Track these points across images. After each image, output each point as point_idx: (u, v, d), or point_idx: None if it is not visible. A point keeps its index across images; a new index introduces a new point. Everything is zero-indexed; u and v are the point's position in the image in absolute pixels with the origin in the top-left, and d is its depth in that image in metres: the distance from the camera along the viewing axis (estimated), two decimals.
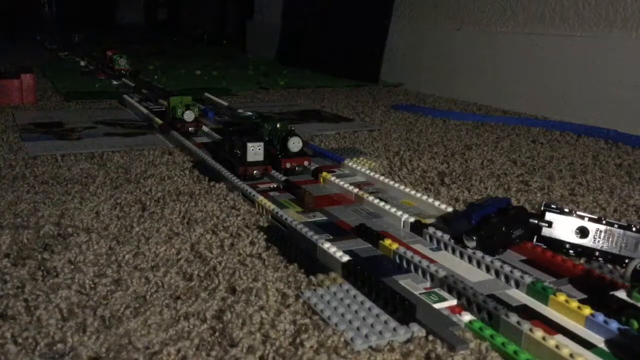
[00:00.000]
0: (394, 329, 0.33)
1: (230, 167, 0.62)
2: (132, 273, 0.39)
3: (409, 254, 0.42)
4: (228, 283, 0.38)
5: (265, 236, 0.46)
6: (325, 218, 0.52)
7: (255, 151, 0.61)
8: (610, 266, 0.43)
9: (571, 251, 0.44)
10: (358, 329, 0.33)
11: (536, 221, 0.45)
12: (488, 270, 0.41)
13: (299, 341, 0.32)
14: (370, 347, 0.32)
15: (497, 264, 0.41)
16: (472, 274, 0.41)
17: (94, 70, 1.56)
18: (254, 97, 1.26)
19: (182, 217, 0.50)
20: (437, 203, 0.53)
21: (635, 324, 0.33)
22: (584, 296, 0.38)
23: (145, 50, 2.16)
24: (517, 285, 0.39)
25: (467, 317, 0.35)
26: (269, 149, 0.63)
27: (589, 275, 0.40)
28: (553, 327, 0.34)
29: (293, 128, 0.66)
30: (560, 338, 0.33)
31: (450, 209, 0.51)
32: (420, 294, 0.38)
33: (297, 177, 0.63)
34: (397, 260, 0.43)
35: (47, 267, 0.40)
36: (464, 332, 0.34)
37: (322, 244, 0.43)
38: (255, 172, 0.61)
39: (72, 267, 0.40)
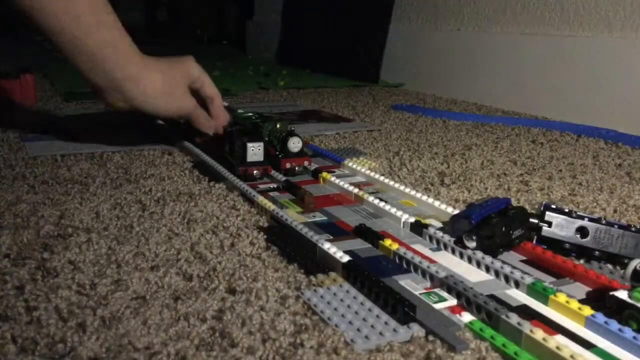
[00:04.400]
0: (394, 330, 0.33)
1: (230, 167, 0.62)
2: (132, 273, 0.39)
3: (409, 254, 0.42)
4: (228, 283, 0.38)
5: (265, 236, 0.46)
6: (325, 218, 0.52)
7: (255, 151, 0.61)
8: (610, 266, 0.43)
9: (571, 251, 0.44)
10: (358, 329, 0.33)
11: (536, 221, 0.45)
12: (488, 270, 0.41)
13: (299, 341, 0.32)
14: (370, 347, 0.32)
15: (497, 264, 0.41)
16: (472, 274, 0.41)
17: None
18: (254, 97, 1.26)
19: (182, 217, 0.50)
20: (437, 203, 0.53)
21: (634, 325, 0.33)
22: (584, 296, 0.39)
23: (145, 51, 2.16)
24: (517, 285, 0.39)
25: (467, 317, 0.35)
26: (269, 149, 0.63)
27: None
28: (553, 328, 0.34)
29: (293, 128, 0.66)
30: (560, 338, 0.33)
31: (450, 209, 0.51)
32: (420, 294, 0.38)
33: (297, 178, 0.63)
34: (397, 260, 0.43)
35: (47, 267, 0.40)
36: (464, 332, 0.34)
37: (322, 244, 0.43)
38: (255, 172, 0.61)
39: (72, 267, 0.40)
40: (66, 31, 0.62)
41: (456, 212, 0.49)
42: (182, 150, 0.74)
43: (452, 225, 0.46)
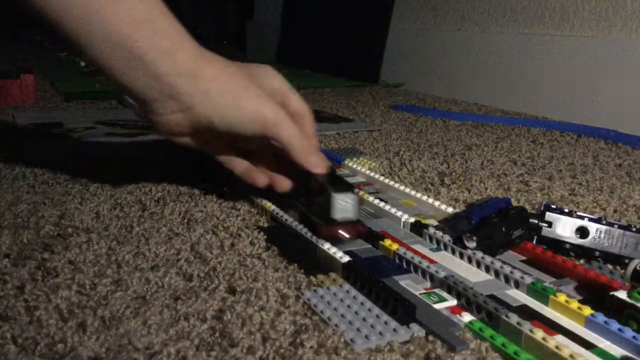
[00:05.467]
0: (394, 330, 0.33)
1: (307, 222, 0.47)
2: (132, 273, 0.39)
3: (409, 254, 0.42)
4: (228, 283, 0.38)
5: (265, 236, 0.46)
6: None
7: (345, 206, 0.44)
8: (610, 266, 0.43)
9: (571, 251, 0.44)
10: (358, 329, 0.33)
11: (536, 221, 0.45)
12: (488, 270, 0.41)
13: (299, 341, 0.32)
14: (370, 347, 0.32)
15: (497, 264, 0.41)
16: (472, 275, 0.41)
17: (94, 70, 1.56)
18: None
19: (182, 218, 0.50)
20: (437, 203, 0.53)
21: (634, 325, 0.33)
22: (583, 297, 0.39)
23: None
24: (517, 285, 0.39)
25: (467, 317, 0.35)
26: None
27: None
28: (553, 328, 0.34)
29: None
30: (560, 338, 0.33)
31: (450, 209, 0.51)
32: (420, 294, 0.38)
33: None
34: (397, 260, 0.43)
35: (47, 267, 0.40)
36: (464, 332, 0.34)
37: (322, 244, 0.43)
38: (343, 233, 0.44)
39: (72, 267, 0.40)
40: (73, 7, 0.42)
41: (456, 212, 0.49)
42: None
43: (450, 226, 0.46)
